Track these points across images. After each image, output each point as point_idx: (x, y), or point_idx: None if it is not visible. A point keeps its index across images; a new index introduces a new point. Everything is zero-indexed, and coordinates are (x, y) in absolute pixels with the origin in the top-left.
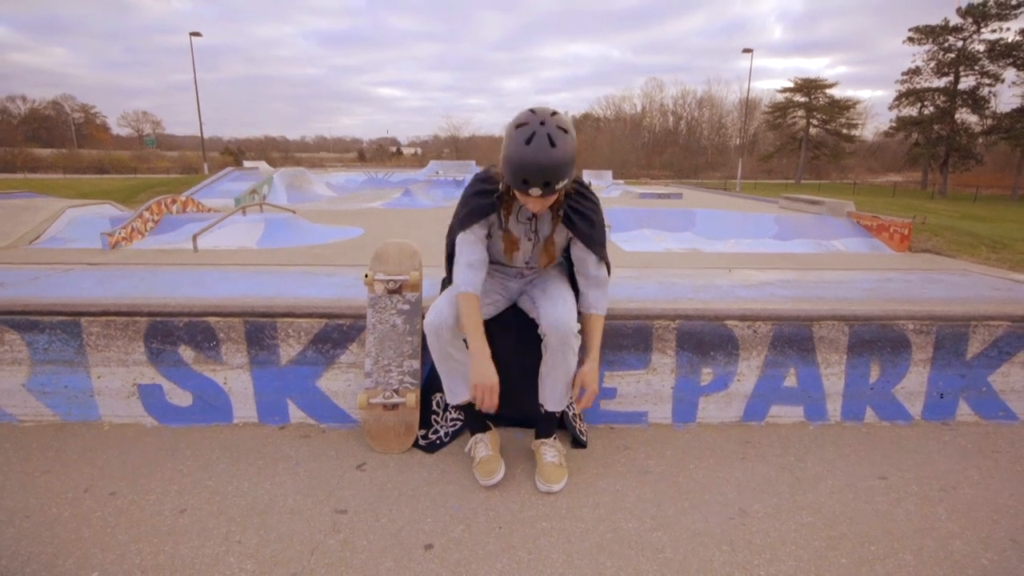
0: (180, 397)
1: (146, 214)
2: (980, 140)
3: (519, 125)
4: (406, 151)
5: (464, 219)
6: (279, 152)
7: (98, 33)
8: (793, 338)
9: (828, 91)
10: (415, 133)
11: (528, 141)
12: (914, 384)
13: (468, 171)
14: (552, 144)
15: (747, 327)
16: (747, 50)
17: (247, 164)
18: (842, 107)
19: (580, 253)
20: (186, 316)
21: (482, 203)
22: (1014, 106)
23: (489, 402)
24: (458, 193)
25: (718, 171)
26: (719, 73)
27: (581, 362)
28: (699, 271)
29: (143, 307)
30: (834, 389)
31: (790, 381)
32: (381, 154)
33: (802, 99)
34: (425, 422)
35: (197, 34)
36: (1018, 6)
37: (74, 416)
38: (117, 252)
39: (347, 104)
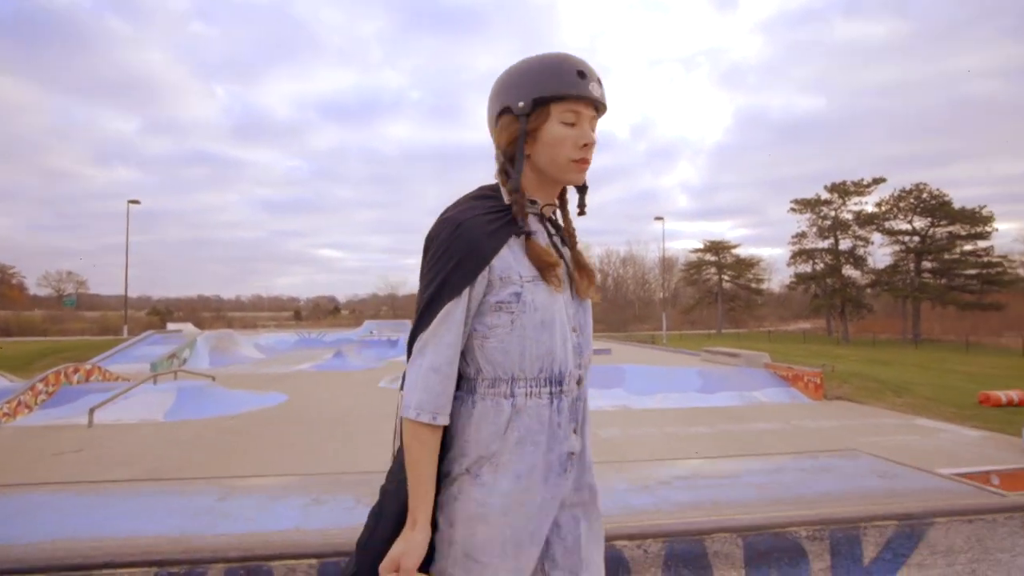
0: None
1: (39, 385)
2: (868, 291)
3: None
4: (344, 310)
5: (448, 280)
6: (211, 312)
7: (32, 199)
8: (687, 556)
9: (734, 251)
10: (354, 291)
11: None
12: None
13: (404, 330)
14: None
15: (636, 547)
16: (658, 218)
17: (171, 326)
18: (747, 264)
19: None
20: None
21: (485, 230)
22: (888, 263)
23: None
24: (392, 353)
25: (646, 323)
26: (638, 235)
27: None
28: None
29: None
30: None
31: None
32: (318, 312)
33: (712, 258)
34: None
35: (135, 202)
36: (869, 186)
37: None
38: None
39: (286, 265)
